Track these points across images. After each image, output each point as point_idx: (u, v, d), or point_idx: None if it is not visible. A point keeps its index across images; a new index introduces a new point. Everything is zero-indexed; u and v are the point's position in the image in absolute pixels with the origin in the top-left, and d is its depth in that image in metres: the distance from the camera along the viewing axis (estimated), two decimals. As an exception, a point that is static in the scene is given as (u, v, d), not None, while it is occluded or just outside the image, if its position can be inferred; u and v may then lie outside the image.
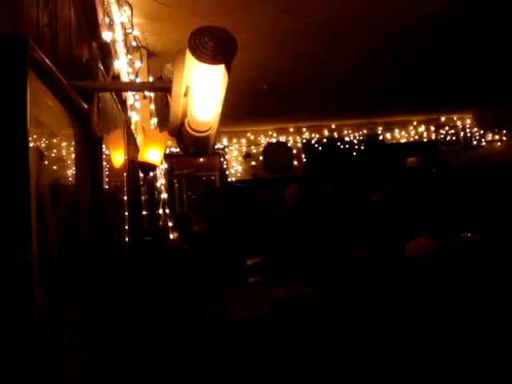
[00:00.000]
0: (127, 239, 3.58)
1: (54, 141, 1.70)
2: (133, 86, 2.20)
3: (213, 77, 1.72)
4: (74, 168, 1.97)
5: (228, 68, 1.69)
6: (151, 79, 4.69)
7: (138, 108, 4.26)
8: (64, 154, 1.84)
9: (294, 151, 10.72)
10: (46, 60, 1.43)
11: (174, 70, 1.82)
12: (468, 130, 10.89)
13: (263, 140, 10.60)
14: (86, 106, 1.95)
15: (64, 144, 1.85)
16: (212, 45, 1.60)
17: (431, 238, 4.11)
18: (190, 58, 1.66)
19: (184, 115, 1.92)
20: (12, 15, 1.35)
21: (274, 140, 10.64)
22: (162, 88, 2.07)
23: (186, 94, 1.84)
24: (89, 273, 2.11)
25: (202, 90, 1.78)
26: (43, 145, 1.53)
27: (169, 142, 4.63)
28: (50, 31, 1.81)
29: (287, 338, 1.77)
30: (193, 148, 2.02)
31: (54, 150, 1.70)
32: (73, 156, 1.96)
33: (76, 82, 1.82)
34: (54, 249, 1.61)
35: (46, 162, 1.60)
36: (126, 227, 3.57)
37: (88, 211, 2.16)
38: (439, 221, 5.84)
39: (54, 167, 1.71)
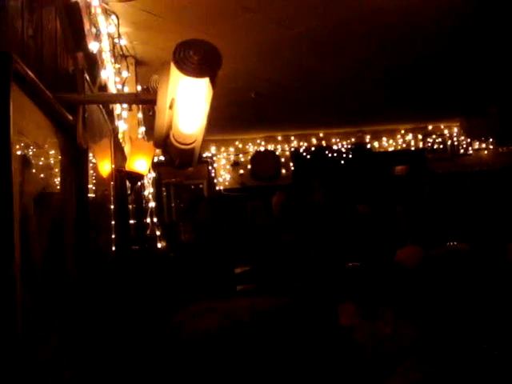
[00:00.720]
0: (113, 248, 3.57)
1: (39, 153, 1.70)
2: (118, 99, 2.21)
3: (197, 90, 1.73)
4: (59, 179, 1.96)
5: (212, 81, 1.70)
6: (139, 88, 4.70)
7: (126, 117, 4.26)
8: (49, 165, 1.84)
9: (282, 159, 10.70)
10: (30, 73, 1.43)
11: (159, 83, 1.83)
12: (455, 139, 10.93)
13: (251, 148, 10.58)
14: (70, 118, 1.96)
15: (49, 156, 1.85)
16: (196, 58, 1.61)
17: (418, 247, 4.14)
18: (174, 71, 1.67)
19: (169, 127, 1.93)
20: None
21: (262, 148, 10.62)
22: (148, 100, 2.08)
23: (171, 107, 1.85)
24: (74, 283, 2.11)
25: (187, 102, 1.79)
26: (27, 157, 1.53)
27: (157, 151, 4.63)
28: (35, 43, 1.82)
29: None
30: (178, 160, 2.03)
31: (39, 162, 1.71)
32: (58, 167, 1.96)
33: (61, 95, 1.83)
34: (38, 260, 1.61)
35: (30, 174, 1.60)
36: (113, 236, 3.56)
37: (74, 222, 2.16)
38: (426, 229, 5.88)
39: (39, 179, 1.71)
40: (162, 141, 1.99)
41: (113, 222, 3.57)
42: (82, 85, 2.27)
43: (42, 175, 1.74)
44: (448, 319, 2.46)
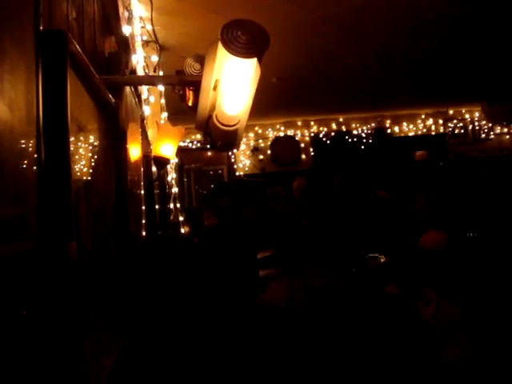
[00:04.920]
0: (144, 234, 3.57)
1: (83, 135, 1.69)
2: (162, 80, 2.18)
3: (244, 70, 1.71)
4: (101, 163, 1.95)
5: (260, 61, 1.68)
6: (161, 73, 4.69)
7: (152, 102, 4.25)
8: (93, 148, 1.83)
9: (302, 145, 10.65)
10: (82, 54, 1.42)
11: (204, 64, 1.80)
12: (476, 123, 10.82)
13: (271, 134, 10.54)
14: (113, 100, 1.94)
15: (92, 138, 1.84)
16: (244, 38, 1.59)
17: (443, 232, 4.12)
18: (221, 52, 1.65)
19: (212, 109, 1.91)
20: (46, 9, 1.34)
21: (281, 134, 10.58)
22: (192, 82, 2.06)
23: (215, 88, 1.83)
24: (115, 268, 2.11)
25: (233, 83, 1.77)
26: (73, 139, 1.52)
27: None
28: (78, 25, 1.80)
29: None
30: (220, 142, 2.01)
31: (84, 145, 1.69)
32: (100, 151, 1.95)
33: (106, 76, 1.81)
34: (87, 244, 1.60)
35: (79, 158, 1.59)
36: (143, 221, 3.57)
37: (113, 207, 2.15)
38: (447, 215, 5.83)
39: (83, 162, 1.70)
40: (204, 122, 1.97)
41: (143, 208, 3.57)
42: (118, 67, 2.25)
43: (87, 159, 1.73)
44: (484, 301, 2.42)
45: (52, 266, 1.13)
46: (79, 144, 1.61)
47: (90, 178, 1.72)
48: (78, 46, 1.36)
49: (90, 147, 1.82)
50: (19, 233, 1.02)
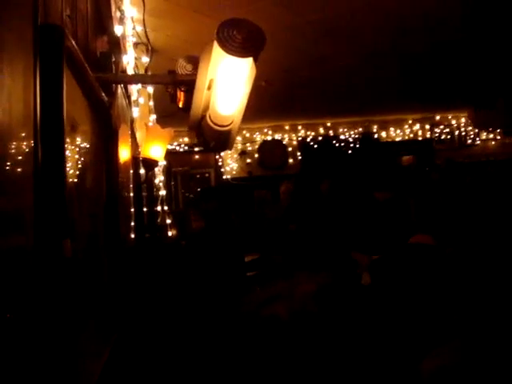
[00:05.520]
0: (132, 236, 3.55)
1: (76, 133, 1.67)
2: (155, 79, 2.17)
3: (240, 70, 1.70)
4: (93, 162, 1.93)
5: (255, 61, 1.67)
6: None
7: (142, 103, 4.23)
8: (85, 147, 1.81)
9: (290, 149, 10.67)
10: (78, 50, 1.40)
11: (199, 64, 1.79)
12: (463, 129, 10.91)
13: (258, 137, 10.55)
14: (106, 99, 1.93)
15: (83, 137, 1.82)
16: (240, 37, 1.58)
17: (428, 236, 4.12)
18: (216, 51, 1.64)
19: (206, 109, 1.89)
20: (42, 5, 1.32)
21: (269, 138, 10.59)
22: (186, 81, 2.04)
23: (209, 88, 1.82)
24: (105, 270, 2.09)
25: (228, 83, 1.76)
26: (66, 137, 1.50)
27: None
28: (72, 23, 1.79)
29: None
30: (213, 142, 1.99)
31: (75, 143, 1.67)
32: (92, 149, 1.93)
33: (100, 74, 1.79)
34: (79, 245, 1.58)
35: (69, 155, 1.57)
36: (132, 224, 3.54)
37: (104, 207, 2.13)
38: (434, 219, 5.85)
39: (75, 161, 1.68)
40: (198, 122, 1.96)
41: (132, 210, 3.54)
42: (110, 66, 2.24)
43: (79, 158, 1.71)
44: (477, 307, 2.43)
45: (47, 261, 1.12)
46: (72, 142, 1.59)
47: (81, 178, 1.70)
48: (73, 42, 1.34)
49: (82, 146, 1.80)
50: (16, 227, 1.00)
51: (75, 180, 1.59)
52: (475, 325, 2.06)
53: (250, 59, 1.64)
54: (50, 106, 1.18)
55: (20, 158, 1.04)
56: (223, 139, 1.99)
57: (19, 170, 1.04)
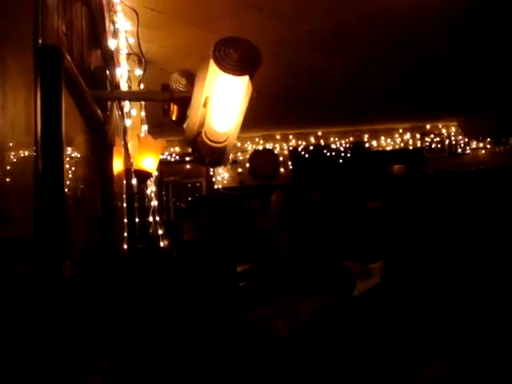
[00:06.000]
0: (125, 247, 3.55)
1: (71, 150, 1.68)
2: (152, 96, 2.17)
3: (235, 88, 1.71)
4: (87, 177, 1.94)
5: (251, 79, 1.68)
6: (142, 86, 4.67)
7: (134, 115, 4.23)
8: (79, 162, 1.82)
9: (281, 158, 10.70)
10: (75, 69, 1.41)
11: (195, 81, 1.80)
12: (453, 138, 10.99)
13: (250, 147, 10.57)
14: (101, 115, 1.93)
15: (79, 153, 1.82)
16: (237, 56, 1.59)
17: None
18: (212, 69, 1.65)
19: (201, 125, 1.90)
20: (38, 23, 1.32)
21: (260, 147, 10.62)
22: (182, 98, 2.05)
23: (205, 105, 1.83)
24: (100, 285, 2.09)
25: (223, 100, 1.77)
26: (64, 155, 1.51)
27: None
28: (67, 40, 1.80)
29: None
30: (208, 158, 2.00)
31: (72, 160, 1.68)
32: (86, 165, 1.93)
33: (96, 91, 1.80)
34: (75, 262, 1.58)
35: (66, 172, 1.57)
36: (125, 235, 3.54)
37: (98, 222, 2.13)
38: (424, 228, 5.86)
39: (73, 177, 1.68)
40: (193, 139, 1.97)
41: (125, 221, 3.54)
42: (104, 81, 2.25)
43: (75, 174, 1.71)
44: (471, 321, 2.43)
45: (46, 284, 1.12)
46: (69, 159, 1.60)
47: (78, 195, 1.71)
48: (70, 61, 1.35)
49: (78, 162, 1.81)
50: (17, 250, 1.00)
51: (72, 197, 1.59)
52: (469, 340, 2.06)
53: (246, 77, 1.66)
54: (50, 124, 1.19)
55: (22, 180, 1.05)
56: (218, 155, 2.00)
57: (21, 192, 1.05)
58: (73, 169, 1.66)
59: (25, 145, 1.10)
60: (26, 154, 1.09)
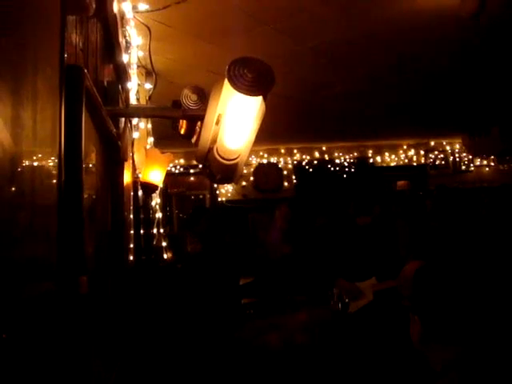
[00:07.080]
0: (131, 258, 3.57)
1: (86, 163, 1.70)
2: (165, 113, 2.20)
3: (249, 107, 1.74)
4: (99, 191, 1.96)
5: (265, 99, 1.71)
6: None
7: (142, 128, 4.26)
8: (92, 177, 1.84)
9: (285, 172, 10.72)
10: (93, 87, 1.44)
11: (209, 99, 1.83)
12: (457, 155, 11.01)
13: (254, 160, 10.60)
14: (115, 130, 1.96)
15: (92, 167, 1.85)
16: (251, 76, 1.62)
17: (421, 262, 4.12)
18: (227, 88, 1.68)
19: (213, 142, 1.93)
20: (64, 42, 1.35)
21: (264, 161, 10.65)
22: (195, 116, 2.08)
23: (217, 122, 1.85)
24: (109, 297, 2.11)
25: (236, 119, 1.80)
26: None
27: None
28: (83, 55, 1.83)
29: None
30: (219, 175, 2.02)
31: (88, 173, 1.71)
32: (98, 179, 1.96)
33: (111, 108, 1.83)
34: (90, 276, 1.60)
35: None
36: (131, 246, 3.56)
37: (108, 236, 2.16)
38: (427, 244, 5.87)
39: (87, 191, 1.71)
40: (205, 155, 1.99)
41: (132, 233, 3.56)
42: (117, 96, 2.27)
43: (89, 187, 1.74)
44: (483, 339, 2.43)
45: (64, 300, 1.14)
46: (84, 174, 1.62)
47: (90, 207, 1.73)
48: (90, 80, 1.38)
49: (92, 176, 1.83)
50: (42, 265, 1.02)
51: (86, 211, 1.61)
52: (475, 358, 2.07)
53: (260, 97, 1.68)
54: (72, 142, 1.22)
55: (48, 197, 1.07)
56: (229, 173, 2.02)
57: (46, 209, 1.07)
58: (88, 183, 1.69)
59: (50, 162, 1.13)
60: (53, 172, 1.12)
